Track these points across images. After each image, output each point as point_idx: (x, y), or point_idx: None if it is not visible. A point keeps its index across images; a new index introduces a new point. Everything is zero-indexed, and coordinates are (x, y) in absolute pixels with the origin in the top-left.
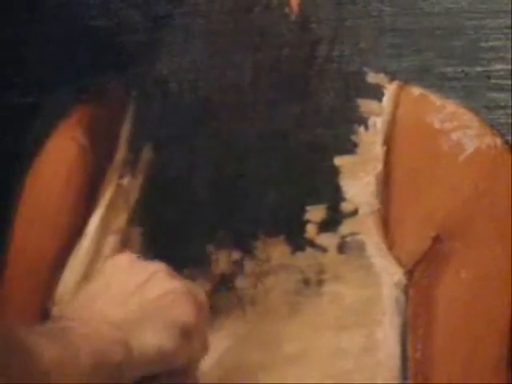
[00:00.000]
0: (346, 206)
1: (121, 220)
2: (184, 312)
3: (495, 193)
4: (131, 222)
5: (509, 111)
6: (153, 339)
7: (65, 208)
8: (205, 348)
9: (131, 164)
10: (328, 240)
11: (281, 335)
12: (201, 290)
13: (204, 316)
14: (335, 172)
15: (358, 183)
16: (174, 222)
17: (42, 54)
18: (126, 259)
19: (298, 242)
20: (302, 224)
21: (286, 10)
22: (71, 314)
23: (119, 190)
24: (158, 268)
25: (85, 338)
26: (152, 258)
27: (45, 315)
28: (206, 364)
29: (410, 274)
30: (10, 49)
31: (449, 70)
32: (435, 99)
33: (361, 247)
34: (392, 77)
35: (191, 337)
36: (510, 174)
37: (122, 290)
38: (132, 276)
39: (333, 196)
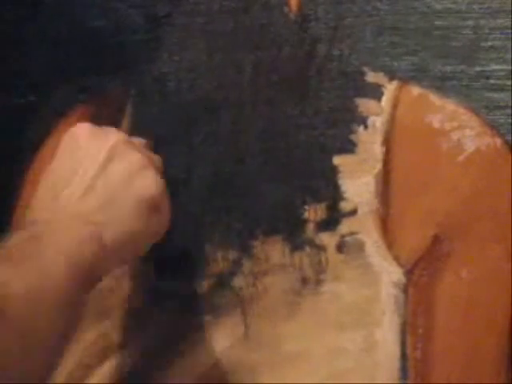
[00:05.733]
0: (345, 206)
1: None
2: (149, 184)
3: (495, 193)
4: None
5: (509, 111)
6: (124, 224)
7: None
8: (167, 221)
9: None
10: (327, 239)
11: (280, 335)
12: (157, 157)
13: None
14: (334, 171)
15: (357, 183)
16: (171, 221)
17: (42, 54)
18: (82, 133)
19: (296, 241)
20: (301, 223)
21: (285, 9)
22: (39, 214)
23: None
24: (116, 139)
25: (55, 244)
26: (151, 257)
27: None
28: (206, 364)
29: (409, 273)
30: (10, 49)
31: (448, 69)
32: (435, 99)
33: (360, 246)
34: (391, 76)
35: (159, 209)
36: (510, 174)
37: (85, 173)
38: (92, 153)
39: (332, 195)
